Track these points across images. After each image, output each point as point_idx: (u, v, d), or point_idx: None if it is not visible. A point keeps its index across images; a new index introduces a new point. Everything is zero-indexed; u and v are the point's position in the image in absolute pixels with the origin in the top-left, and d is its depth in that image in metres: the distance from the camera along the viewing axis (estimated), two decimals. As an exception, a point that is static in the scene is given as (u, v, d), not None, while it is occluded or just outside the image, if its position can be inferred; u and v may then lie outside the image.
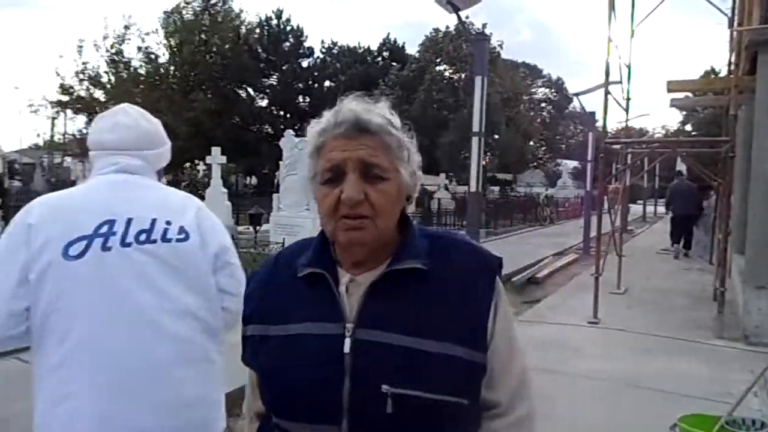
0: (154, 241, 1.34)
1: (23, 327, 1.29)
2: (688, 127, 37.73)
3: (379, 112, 0.95)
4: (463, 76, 24.15)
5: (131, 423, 1.26)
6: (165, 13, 28.66)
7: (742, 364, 4.68)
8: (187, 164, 19.86)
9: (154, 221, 1.36)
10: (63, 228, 1.30)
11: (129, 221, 1.34)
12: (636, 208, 23.99)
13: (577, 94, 13.53)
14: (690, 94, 9.13)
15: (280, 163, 10.40)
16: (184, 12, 28.66)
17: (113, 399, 1.26)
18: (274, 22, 28.81)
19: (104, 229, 1.32)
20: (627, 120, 8.39)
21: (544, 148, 43.17)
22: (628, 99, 8.01)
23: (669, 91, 7.63)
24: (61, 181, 24.40)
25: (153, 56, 28.73)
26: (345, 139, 0.91)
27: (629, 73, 7.71)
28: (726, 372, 4.50)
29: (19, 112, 73.73)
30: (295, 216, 9.85)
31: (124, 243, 1.32)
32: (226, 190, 11.20)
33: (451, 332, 0.90)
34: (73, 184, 23.07)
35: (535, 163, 40.13)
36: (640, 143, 11.14)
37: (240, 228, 10.90)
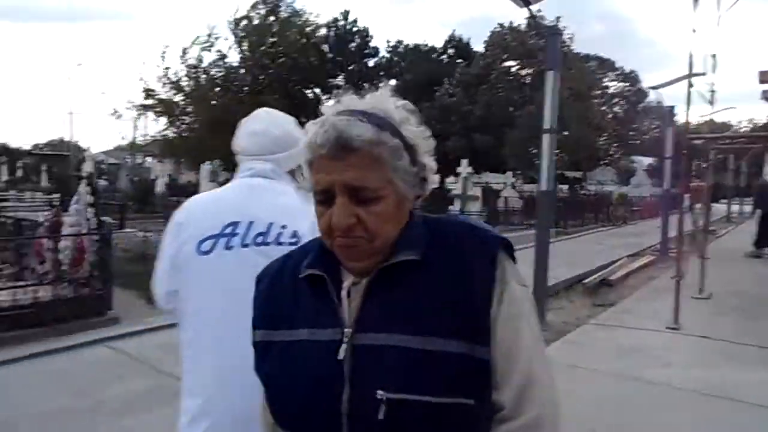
0: (268, 244, 1.43)
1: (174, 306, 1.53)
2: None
3: (372, 112, 0.87)
4: (531, 71, 23.55)
5: (230, 408, 1.39)
6: (235, 19, 29.75)
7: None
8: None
9: (270, 225, 1.46)
10: (199, 226, 1.47)
11: (250, 224, 1.45)
12: (719, 208, 22.56)
13: (655, 87, 12.90)
14: (783, 85, 8.45)
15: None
16: (252, 16, 29.64)
17: (220, 384, 1.40)
18: (341, 23, 29.29)
19: (229, 229, 1.45)
20: (712, 113, 7.91)
21: (616, 145, 41.40)
22: (713, 91, 7.55)
23: (761, 82, 7.11)
24: (143, 179, 25.92)
25: (226, 61, 29.94)
26: (330, 160, 0.85)
27: (714, 63, 7.26)
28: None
29: (106, 116, 79.00)
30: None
31: (243, 244, 1.43)
32: (296, 189, 11.49)
33: (448, 325, 0.82)
34: (153, 182, 24.47)
35: (606, 160, 38.53)
36: (725, 138, 10.45)
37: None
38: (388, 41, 31.15)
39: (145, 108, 30.74)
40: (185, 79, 30.34)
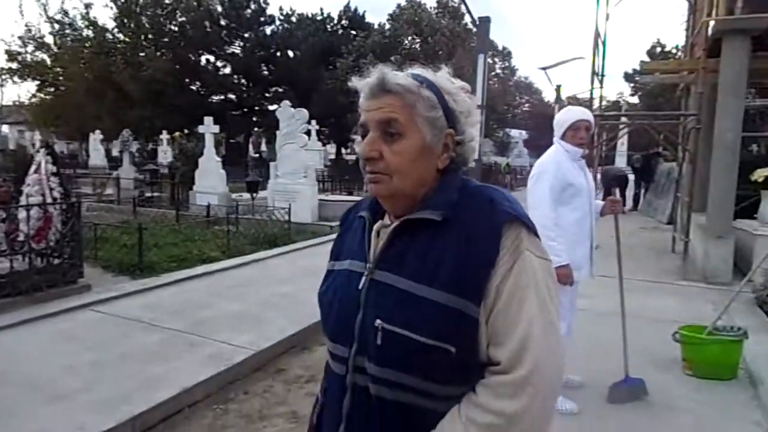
0: None
1: None
2: (635, 99, 39.78)
3: (422, 74, 1.01)
4: (426, 46, 24.57)
5: None
6: None
7: (705, 298, 5.80)
8: (177, 133, 19.56)
9: None
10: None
11: None
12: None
13: (545, 68, 14.40)
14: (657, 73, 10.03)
15: (277, 132, 10.77)
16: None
17: None
18: (235, -13, 28.15)
19: None
20: (600, 93, 9.28)
21: (493, 118, 44.50)
22: (602, 75, 8.86)
23: (642, 72, 8.52)
24: (18, 150, 23.50)
25: (96, 21, 27.83)
26: (370, 100, 1.00)
27: (605, 48, 8.57)
28: (694, 304, 5.58)
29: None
30: (294, 183, 10.33)
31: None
32: (219, 159, 11.47)
33: (445, 281, 0.93)
34: (31, 155, 22.28)
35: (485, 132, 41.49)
36: (617, 116, 11.95)
37: (233, 195, 11.35)
38: (281, 9, 30.61)
39: (12, 72, 27.77)
40: (50, 37, 27.79)
